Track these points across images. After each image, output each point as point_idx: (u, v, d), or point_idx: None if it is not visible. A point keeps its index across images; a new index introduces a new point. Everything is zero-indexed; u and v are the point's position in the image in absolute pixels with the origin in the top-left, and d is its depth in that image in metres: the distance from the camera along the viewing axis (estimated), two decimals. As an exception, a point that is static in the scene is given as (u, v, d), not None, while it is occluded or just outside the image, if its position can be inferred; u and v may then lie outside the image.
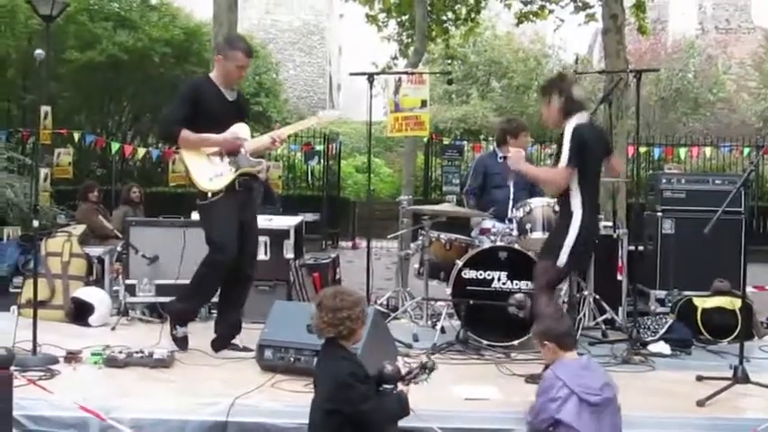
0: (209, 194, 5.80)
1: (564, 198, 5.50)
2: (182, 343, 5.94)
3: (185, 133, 5.81)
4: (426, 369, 3.87)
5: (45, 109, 11.70)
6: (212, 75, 6.05)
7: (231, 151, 5.90)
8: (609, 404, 4.20)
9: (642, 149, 17.26)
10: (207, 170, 5.85)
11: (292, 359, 5.14)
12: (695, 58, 27.25)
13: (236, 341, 6.04)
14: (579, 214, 5.39)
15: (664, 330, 6.59)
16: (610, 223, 7.45)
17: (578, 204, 5.41)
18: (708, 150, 19.17)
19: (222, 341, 6.01)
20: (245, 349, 5.88)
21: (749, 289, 7.97)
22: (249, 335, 6.07)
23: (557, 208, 6.45)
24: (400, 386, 3.80)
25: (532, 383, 5.37)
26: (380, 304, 7.66)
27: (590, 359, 4.50)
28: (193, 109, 5.83)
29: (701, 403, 4.80)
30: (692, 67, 26.49)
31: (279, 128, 6.29)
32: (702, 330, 6.81)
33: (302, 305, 6.09)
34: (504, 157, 7.29)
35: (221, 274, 5.87)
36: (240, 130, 6.00)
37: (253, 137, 6.13)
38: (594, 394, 4.15)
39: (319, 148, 19.77)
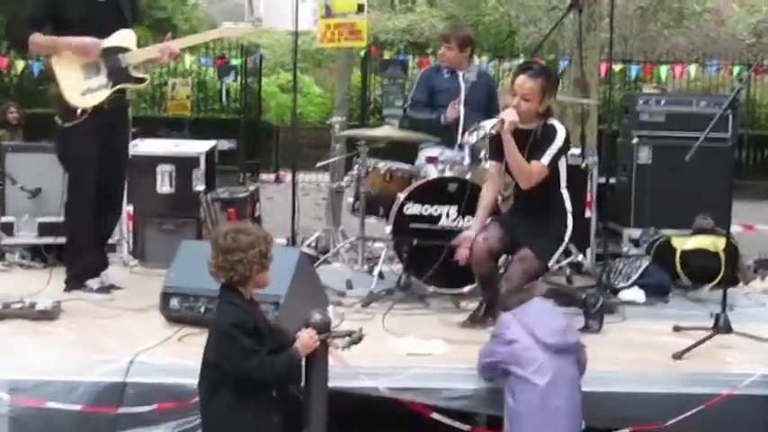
0: (78, 111, 5.91)
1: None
2: (107, 290, 6.11)
3: (35, 37, 5.91)
4: (350, 338, 3.90)
5: None
6: None
7: (91, 57, 5.96)
8: (571, 351, 4.33)
9: (617, 67, 17.39)
10: (80, 83, 5.96)
11: (203, 309, 5.13)
12: (680, -40, 27.41)
13: (91, 281, 6.13)
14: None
15: (638, 275, 6.72)
16: (578, 151, 7.51)
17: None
18: (693, 69, 19.40)
19: (79, 279, 6.12)
20: (104, 289, 6.07)
21: (735, 228, 8.17)
22: (152, 281, 6.05)
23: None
24: (301, 338, 3.82)
25: (470, 328, 5.51)
26: (308, 245, 7.67)
27: (553, 305, 4.62)
28: (54, 11, 5.92)
29: (677, 356, 4.93)
30: (677, -28, 26.64)
31: (171, 39, 6.28)
32: (681, 275, 6.93)
33: (215, 246, 6.08)
34: (452, 71, 7.31)
35: (89, 210, 6.09)
36: (123, 37, 6.07)
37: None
38: (553, 335, 4.29)
39: (236, 62, 19.52)
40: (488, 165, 5.90)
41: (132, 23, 6.21)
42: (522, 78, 5.52)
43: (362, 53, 18.12)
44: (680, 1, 26.08)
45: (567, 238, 5.62)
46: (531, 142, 5.46)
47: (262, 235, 3.85)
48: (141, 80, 6.19)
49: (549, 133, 5.50)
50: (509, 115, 5.43)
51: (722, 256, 6.54)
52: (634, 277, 6.70)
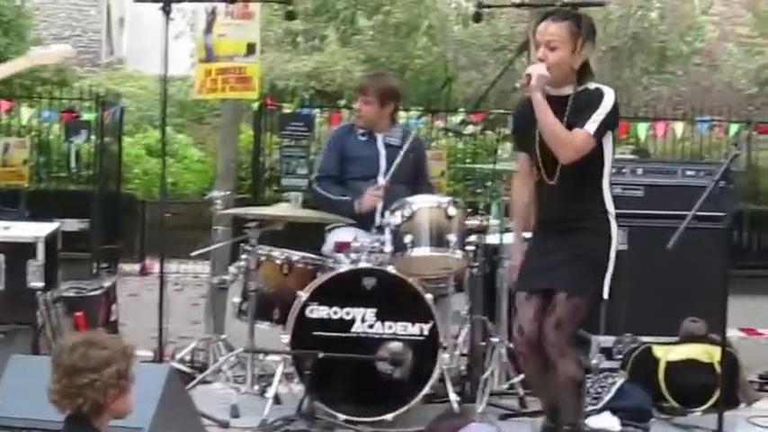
0: None
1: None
2: None
3: None
4: None
5: None
6: None
7: None
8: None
9: (582, 125, 17.64)
10: None
11: (38, 447, 5.06)
12: (662, -9, 28.10)
13: None
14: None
15: (610, 395, 6.77)
16: (529, 234, 7.57)
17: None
18: (679, 127, 19.75)
19: None
20: None
21: (734, 333, 8.27)
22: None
23: (451, 211, 6.55)
24: None
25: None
26: (181, 360, 7.61)
27: None
28: None
29: (661, 503, 4.98)
30: (658, 3, 27.27)
31: None
32: (666, 394, 7.02)
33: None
34: (369, 133, 7.37)
35: None
36: None
37: None
38: None
39: (89, 117, 19.44)
40: (516, 159, 6.10)
41: None
42: (543, 25, 5.65)
43: (255, 106, 18.17)
44: (662, 40, 26.68)
45: (613, 254, 5.67)
46: (569, 112, 5.51)
47: (119, 348, 3.80)
48: None
49: (593, 97, 5.56)
50: (536, 68, 5.49)
51: (717, 369, 6.62)
52: (606, 398, 6.75)
